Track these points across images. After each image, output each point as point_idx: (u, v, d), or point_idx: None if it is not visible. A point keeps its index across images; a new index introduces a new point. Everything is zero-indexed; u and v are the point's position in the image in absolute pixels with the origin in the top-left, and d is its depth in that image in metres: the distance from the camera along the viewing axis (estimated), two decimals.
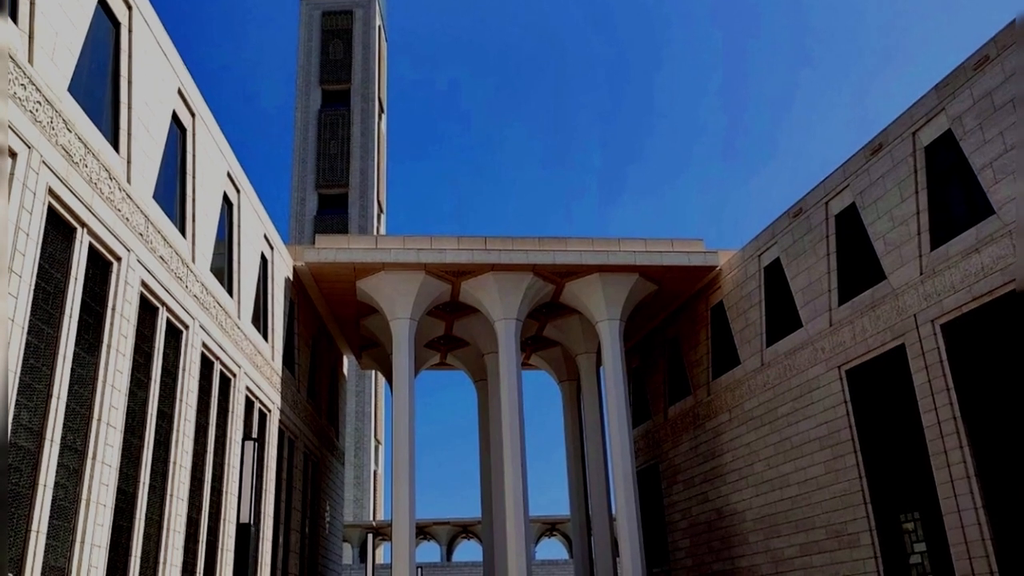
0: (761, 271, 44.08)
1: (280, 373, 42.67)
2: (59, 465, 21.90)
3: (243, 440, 27.33)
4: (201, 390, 32.74)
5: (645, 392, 58.04)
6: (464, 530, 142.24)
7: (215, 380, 34.24)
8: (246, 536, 26.55)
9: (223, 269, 36.08)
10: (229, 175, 36.56)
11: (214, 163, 34.54)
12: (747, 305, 45.07)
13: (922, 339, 32.53)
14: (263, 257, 41.43)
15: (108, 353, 24.59)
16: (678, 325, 53.18)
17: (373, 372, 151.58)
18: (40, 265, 21.41)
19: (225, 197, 36.35)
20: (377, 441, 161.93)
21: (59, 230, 22.64)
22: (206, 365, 33.50)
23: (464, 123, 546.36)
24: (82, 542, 22.60)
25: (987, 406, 29.95)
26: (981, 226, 30.17)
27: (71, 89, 23.27)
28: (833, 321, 38.10)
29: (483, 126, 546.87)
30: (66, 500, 22.32)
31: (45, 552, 21.08)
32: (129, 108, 26.75)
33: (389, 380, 57.50)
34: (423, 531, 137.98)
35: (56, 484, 21.75)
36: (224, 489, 34.61)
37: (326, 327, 54.62)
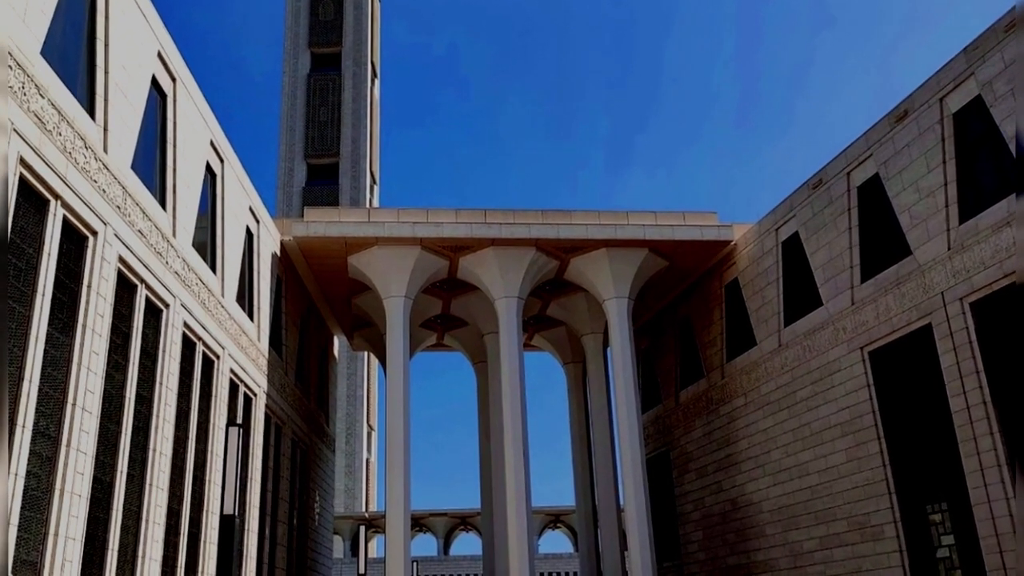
0: (778, 246, 44.05)
1: (266, 355, 42.73)
2: (31, 453, 21.91)
3: (227, 426, 27.34)
4: (182, 373, 32.77)
5: (655, 375, 58.10)
6: (462, 522, 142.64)
7: (197, 362, 34.28)
8: (230, 528, 26.61)
9: (206, 244, 36.04)
10: (212, 144, 36.48)
11: (196, 131, 34.46)
12: (763, 282, 45.06)
13: (950, 318, 32.49)
14: (248, 231, 41.40)
15: (83, 333, 24.59)
16: (690, 304, 53.20)
17: (365, 354, 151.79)
18: (11, 240, 21.37)
19: (208, 167, 36.28)
20: (370, 427, 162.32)
21: (31, 202, 22.59)
22: (188, 346, 33.53)
23: (463, 90, 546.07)
24: (55, 534, 22.62)
25: (1019, 390, 29.86)
26: (1013, 198, 30.08)
27: (44, 52, 23.15)
28: (855, 299, 38.09)
29: (483, 93, 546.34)
30: (39, 490, 22.34)
31: (16, 545, 21.12)
32: (106, 72, 26.67)
33: (383, 362, 57.52)
34: (419, 523, 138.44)
35: (28, 473, 21.76)
36: (207, 478, 34.68)
37: (315, 306, 54.65)
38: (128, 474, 27.64)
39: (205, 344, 34.93)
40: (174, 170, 31.98)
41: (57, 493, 22.86)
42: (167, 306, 30.96)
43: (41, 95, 22.58)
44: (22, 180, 22.04)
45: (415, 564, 78.34)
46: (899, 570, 34.88)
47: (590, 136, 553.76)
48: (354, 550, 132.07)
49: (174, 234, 31.68)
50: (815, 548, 40.07)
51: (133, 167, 28.57)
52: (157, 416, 29.68)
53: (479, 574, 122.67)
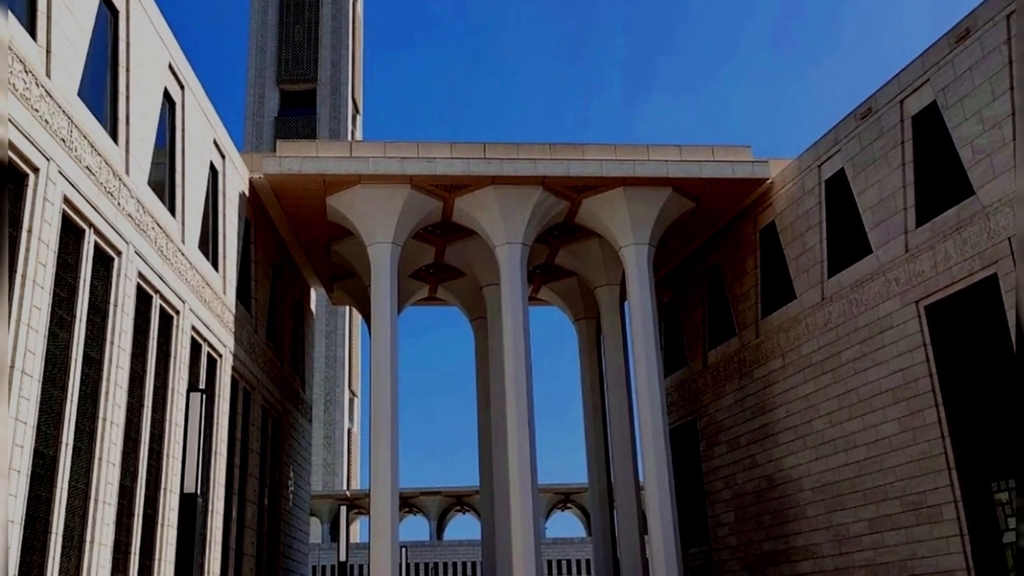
0: (821, 185, 44.00)
1: (233, 310, 42.88)
2: None
3: (188, 391, 27.42)
4: (137, 331, 32.87)
5: (680, 333, 58.25)
6: (458, 502, 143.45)
7: (154, 318, 34.39)
8: (192, 509, 26.73)
9: (164, 183, 36.05)
10: (171, 67, 36.39)
11: (152, 52, 34.36)
12: (804, 227, 45.06)
13: (1018, 267, 32.44)
14: (213, 168, 41.39)
15: (23, 286, 24.65)
16: (720, 251, 53.25)
17: (347, 309, 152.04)
18: None
19: (166, 94, 36.21)
20: (352, 393, 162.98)
21: None
22: (143, 300, 33.62)
23: (458, 3, 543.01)
24: None
25: None
26: None
27: None
28: (909, 246, 38.09)
29: (482, 7, 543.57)
30: None
31: None
32: None
33: (366, 318, 57.62)
34: (408, 503, 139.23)
35: None
36: (165, 452, 34.89)
37: (290, 253, 54.73)
38: (74, 447, 27.80)
39: (163, 297, 35.01)
40: (127, 98, 31.91)
41: None
42: (119, 254, 31.02)
43: None
44: None
45: (404, 550, 78.59)
46: (960, 557, 35.05)
47: (605, 57, 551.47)
48: (334, 534, 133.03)
49: (127, 171, 31.68)
50: (863, 531, 40.29)
51: (80, 94, 28.54)
52: (108, 380, 29.82)
53: (477, 561, 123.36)
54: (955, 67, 35.79)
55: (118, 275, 31.00)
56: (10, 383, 23.72)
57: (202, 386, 38.84)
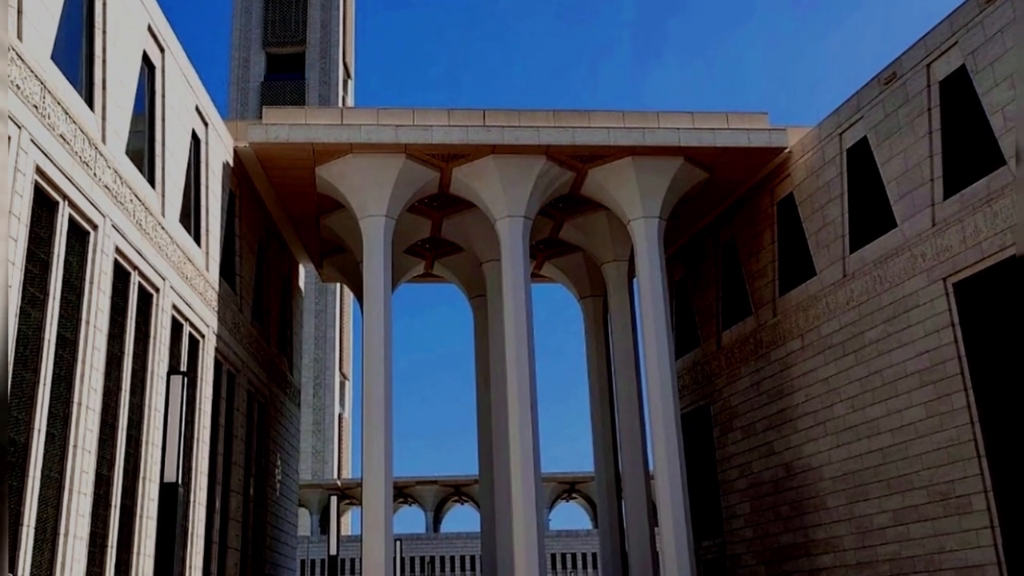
0: (843, 154, 43.96)
1: (216, 287, 42.90)
2: None
3: (168, 374, 27.44)
4: (114, 310, 32.86)
5: (692, 312, 58.29)
6: (456, 492, 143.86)
7: (132, 296, 34.41)
8: (172, 499, 26.76)
9: (142, 152, 36.04)
10: (151, 29, 36.33)
11: (131, 14, 34.27)
12: (825, 199, 45.02)
13: None
14: (195, 136, 41.37)
15: None
16: (735, 225, 53.26)
17: (338, 286, 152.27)
18: None
19: (145, 58, 36.15)
20: (343, 376, 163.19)
21: None
22: (120, 277, 33.59)
23: None
24: None
25: None
26: None
27: None
28: (937, 219, 38.06)
29: None
30: None
31: None
32: None
33: (358, 296, 57.67)
34: (403, 493, 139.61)
35: None
36: (144, 439, 34.96)
37: (277, 228, 54.74)
38: (47, 433, 27.82)
39: (142, 274, 35.01)
40: (103, 61, 31.85)
41: None
42: (95, 228, 31.02)
43: None
44: None
45: (399, 543, 78.72)
46: (990, 550, 35.09)
47: (613, 18, 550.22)
48: (324, 526, 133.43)
49: (104, 140, 31.64)
50: (887, 523, 40.36)
51: (53, 58, 28.48)
52: (83, 362, 29.85)
53: (476, 555, 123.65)
54: (985, 29, 35.71)
55: (94, 250, 30.98)
56: None
57: (183, 369, 38.90)
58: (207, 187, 42.11)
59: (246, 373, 48.05)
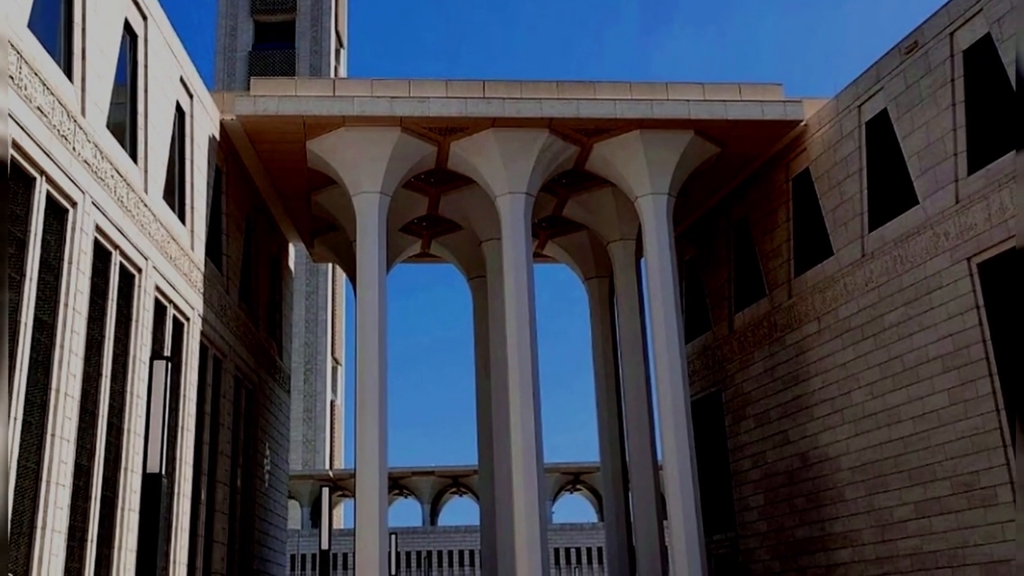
0: (862, 128, 43.89)
1: (202, 268, 42.85)
2: None
3: (151, 359, 27.45)
4: (94, 291, 32.81)
5: (703, 294, 58.27)
6: (454, 483, 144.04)
7: (113, 277, 34.34)
8: (156, 491, 26.75)
9: (124, 125, 35.98)
10: None
11: None
12: (843, 175, 44.95)
13: None
14: (179, 108, 41.29)
15: None
16: (748, 202, 53.21)
17: (330, 266, 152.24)
18: None
19: (127, 26, 36.06)
20: (335, 361, 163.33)
21: None
22: (101, 256, 33.55)
23: None
24: None
25: None
26: None
27: None
28: (961, 196, 37.99)
29: None
30: None
31: None
32: None
33: (351, 277, 57.65)
34: (399, 484, 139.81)
35: None
36: (126, 427, 34.93)
37: (266, 205, 54.67)
38: (24, 421, 27.79)
39: (123, 254, 34.96)
40: (83, 30, 31.77)
41: None
42: (74, 205, 30.95)
43: None
44: None
45: (394, 537, 78.70)
46: (1016, 544, 35.09)
47: None
48: (315, 519, 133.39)
49: (83, 112, 31.58)
50: (908, 516, 40.35)
51: (30, 26, 28.40)
52: (61, 347, 29.79)
53: (476, 549, 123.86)
54: None
55: (73, 229, 30.91)
56: None
57: (167, 353, 38.87)
58: (192, 162, 42.02)
59: (233, 358, 48.03)
